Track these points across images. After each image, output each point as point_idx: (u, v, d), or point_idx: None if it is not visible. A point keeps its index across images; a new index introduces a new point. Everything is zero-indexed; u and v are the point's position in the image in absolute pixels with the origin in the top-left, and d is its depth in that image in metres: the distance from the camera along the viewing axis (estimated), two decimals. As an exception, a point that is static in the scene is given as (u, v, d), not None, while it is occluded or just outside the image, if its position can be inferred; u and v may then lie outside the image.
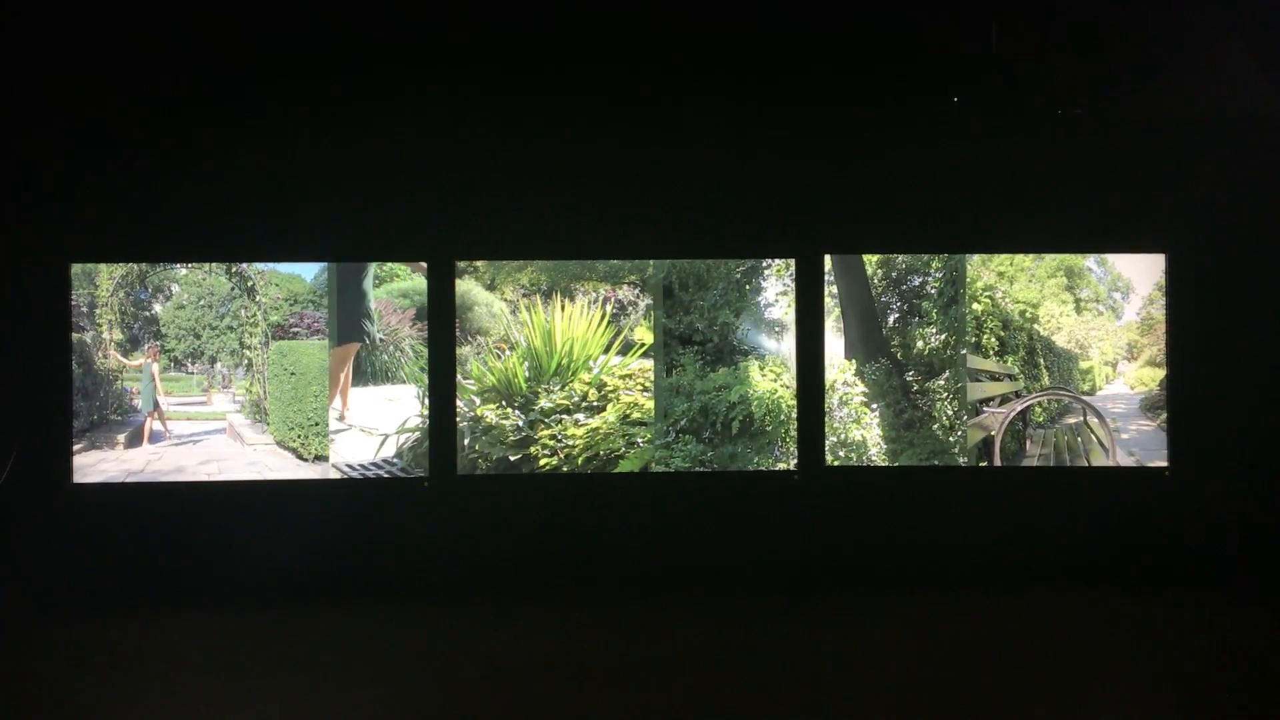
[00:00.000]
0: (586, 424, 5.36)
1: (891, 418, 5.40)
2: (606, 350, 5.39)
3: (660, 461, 5.36)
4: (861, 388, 5.40)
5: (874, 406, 5.40)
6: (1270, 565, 5.34)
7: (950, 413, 5.36)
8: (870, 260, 5.44)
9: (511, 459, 5.35)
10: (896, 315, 5.43)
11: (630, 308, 5.40)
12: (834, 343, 5.41)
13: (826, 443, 5.38)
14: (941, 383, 5.36)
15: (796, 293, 5.40)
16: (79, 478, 5.22)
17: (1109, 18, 5.25)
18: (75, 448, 5.22)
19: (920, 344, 5.39)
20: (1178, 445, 5.37)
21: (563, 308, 5.40)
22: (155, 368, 5.12)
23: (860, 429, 5.39)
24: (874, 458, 5.39)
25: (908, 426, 5.39)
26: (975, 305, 5.39)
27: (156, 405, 5.17)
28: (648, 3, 5.23)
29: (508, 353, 5.39)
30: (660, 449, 5.35)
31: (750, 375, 5.36)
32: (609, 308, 5.40)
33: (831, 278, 5.42)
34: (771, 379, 5.35)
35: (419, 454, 5.34)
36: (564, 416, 5.36)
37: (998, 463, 5.40)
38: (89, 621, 4.88)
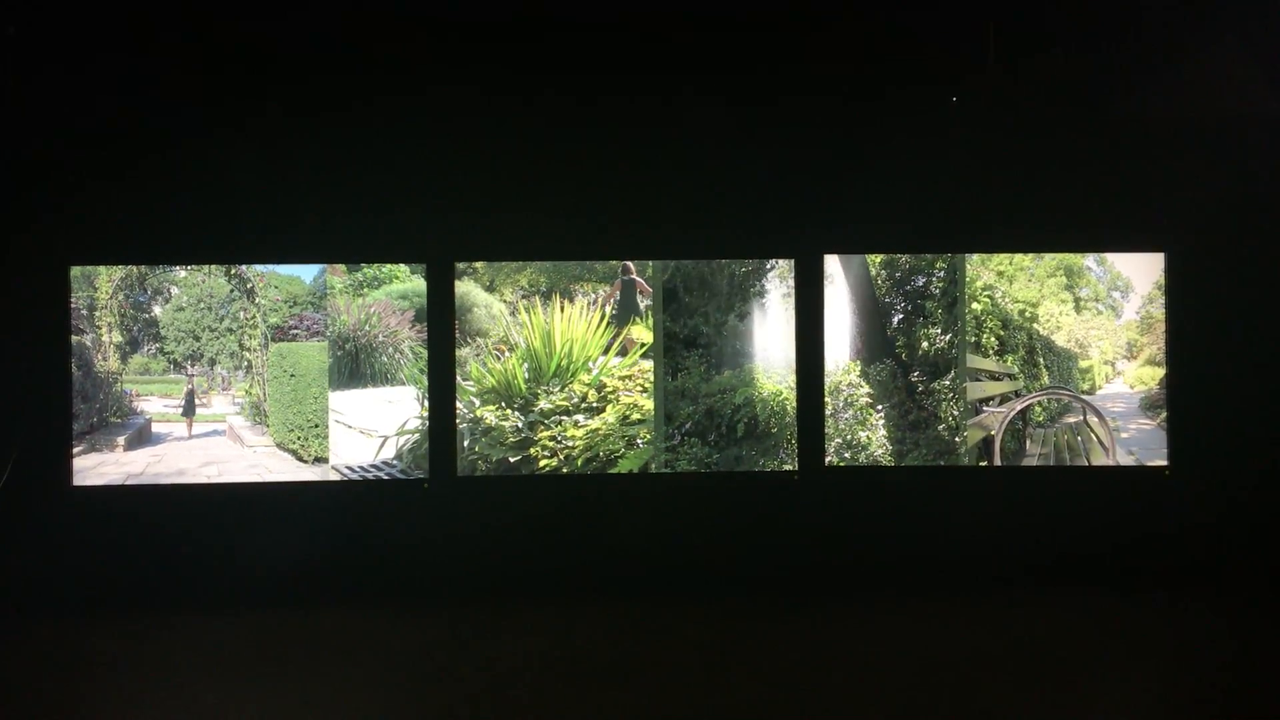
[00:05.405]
0: (586, 425, 5.36)
1: (897, 419, 5.39)
2: (606, 351, 5.39)
3: (666, 465, 5.35)
4: (866, 389, 5.40)
5: (879, 408, 5.39)
6: (1271, 564, 5.34)
7: (956, 414, 5.36)
8: (874, 261, 5.44)
9: (511, 460, 5.35)
10: (901, 316, 5.43)
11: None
12: (839, 344, 5.41)
13: (832, 444, 5.38)
14: (947, 383, 5.36)
15: (796, 293, 5.40)
16: (79, 480, 5.22)
17: (1108, 16, 5.25)
18: (75, 450, 5.22)
19: (925, 344, 5.39)
20: (1178, 444, 5.36)
21: (562, 309, 5.40)
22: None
23: (866, 430, 5.39)
24: (880, 459, 5.38)
25: (913, 427, 5.38)
26: (975, 305, 5.39)
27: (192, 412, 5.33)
28: (646, 3, 5.22)
29: (507, 354, 5.39)
30: (665, 453, 5.35)
31: (755, 377, 5.36)
32: (609, 308, 5.40)
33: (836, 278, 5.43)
34: (777, 380, 5.35)
35: (419, 456, 5.34)
36: (563, 418, 5.36)
37: (998, 462, 5.40)
38: (88, 624, 4.88)
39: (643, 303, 5.38)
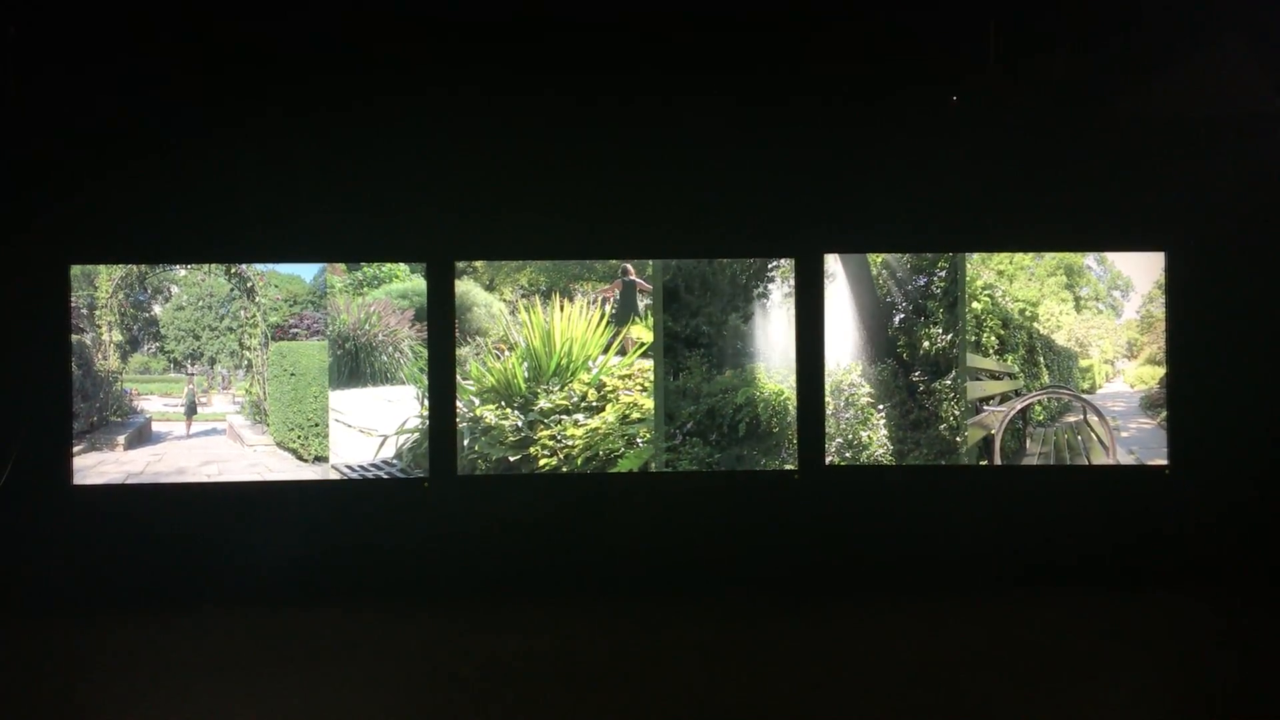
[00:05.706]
0: (586, 424, 5.36)
1: (898, 418, 5.39)
2: (605, 350, 5.39)
3: (667, 465, 5.35)
4: (868, 388, 5.40)
5: (880, 407, 5.39)
6: (1271, 564, 5.34)
7: (957, 413, 5.35)
8: (875, 260, 5.44)
9: (511, 459, 5.35)
10: (902, 315, 5.43)
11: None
12: (841, 343, 5.40)
13: (833, 443, 5.38)
14: (948, 382, 5.36)
15: (796, 292, 5.40)
16: (79, 479, 5.22)
17: (1108, 16, 5.25)
18: (75, 449, 5.22)
19: (926, 344, 5.39)
20: (1178, 443, 5.36)
21: (561, 308, 5.40)
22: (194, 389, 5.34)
23: (867, 429, 5.38)
24: (881, 458, 5.38)
25: (914, 427, 5.38)
26: (975, 304, 5.39)
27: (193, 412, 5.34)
28: (646, 3, 5.22)
29: (507, 353, 5.39)
30: (667, 452, 5.35)
31: (757, 377, 5.36)
32: (608, 308, 5.40)
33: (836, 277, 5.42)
34: (778, 380, 5.35)
35: (419, 455, 5.34)
36: (563, 417, 5.36)
37: (998, 462, 5.39)
38: (89, 623, 4.88)
39: (642, 302, 5.38)
